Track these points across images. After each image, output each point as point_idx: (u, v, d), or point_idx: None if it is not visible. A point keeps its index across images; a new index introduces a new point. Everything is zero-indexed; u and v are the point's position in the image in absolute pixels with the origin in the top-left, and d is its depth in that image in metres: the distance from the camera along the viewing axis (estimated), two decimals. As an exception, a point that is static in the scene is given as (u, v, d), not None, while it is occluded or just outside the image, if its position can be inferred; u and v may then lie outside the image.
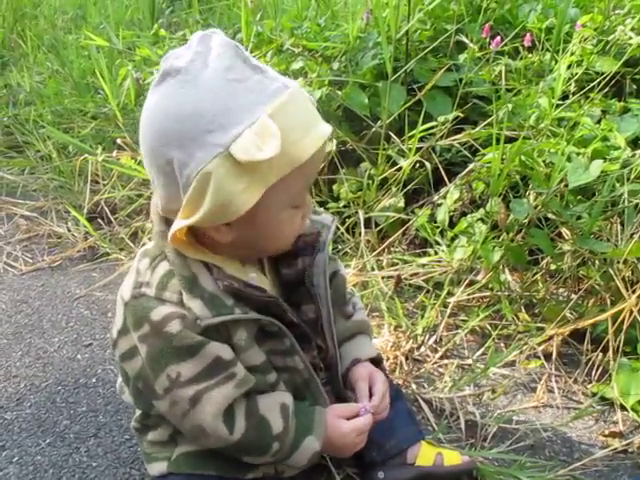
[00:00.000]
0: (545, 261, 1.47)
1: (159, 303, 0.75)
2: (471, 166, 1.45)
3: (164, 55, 0.71)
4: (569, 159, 1.38)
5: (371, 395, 0.91)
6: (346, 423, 0.87)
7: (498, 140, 1.37)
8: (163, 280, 0.75)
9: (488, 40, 1.66)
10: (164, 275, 0.76)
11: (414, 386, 1.24)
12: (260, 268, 0.87)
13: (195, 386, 0.77)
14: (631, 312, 1.18)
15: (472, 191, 1.48)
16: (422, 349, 1.34)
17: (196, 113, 0.66)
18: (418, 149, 1.59)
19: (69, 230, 1.83)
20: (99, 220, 1.84)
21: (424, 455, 1.00)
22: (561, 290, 1.49)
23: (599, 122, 1.55)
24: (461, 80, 1.68)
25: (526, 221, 1.38)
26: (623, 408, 1.20)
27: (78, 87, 2.21)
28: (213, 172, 0.66)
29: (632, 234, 1.27)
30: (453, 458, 1.00)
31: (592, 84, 1.61)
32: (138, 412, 0.94)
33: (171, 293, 0.75)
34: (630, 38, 1.75)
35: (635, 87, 1.84)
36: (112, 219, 1.82)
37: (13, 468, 1.06)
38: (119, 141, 1.73)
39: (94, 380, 1.27)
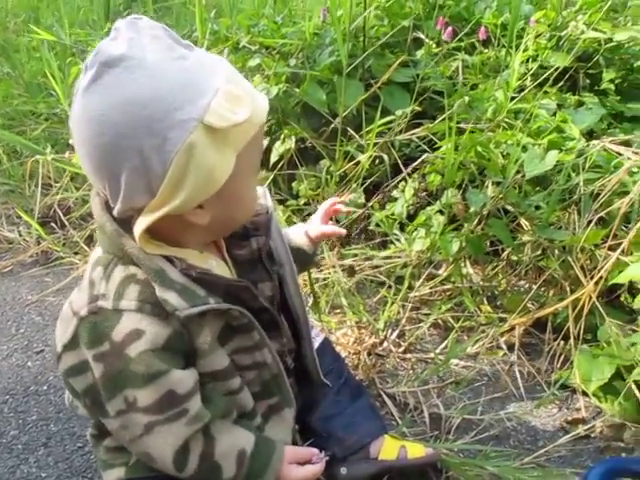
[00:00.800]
0: (506, 253, 1.48)
1: (118, 317, 0.70)
2: (424, 157, 1.44)
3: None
4: (524, 149, 1.39)
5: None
6: (296, 471, 0.85)
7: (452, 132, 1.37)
8: (119, 289, 0.71)
9: (442, 32, 1.67)
10: (120, 283, 0.72)
11: (377, 381, 1.22)
12: (218, 253, 0.83)
13: (149, 416, 0.74)
14: (590, 298, 1.18)
15: (427, 183, 1.47)
16: (385, 344, 1.32)
17: (157, 95, 0.63)
18: (377, 144, 1.59)
19: (20, 235, 1.76)
20: (52, 224, 1.78)
21: (387, 449, 0.99)
22: (522, 282, 1.50)
23: (554, 115, 1.57)
24: (418, 76, 1.68)
25: (485, 212, 1.38)
26: (585, 394, 1.20)
27: (29, 89, 2.14)
28: (194, 146, 0.63)
29: (589, 222, 1.27)
30: (417, 451, 0.99)
31: (546, 78, 1.62)
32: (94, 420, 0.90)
33: (129, 301, 0.71)
34: (582, 32, 1.78)
35: (589, 81, 1.87)
36: (66, 223, 1.76)
37: (-44, 483, 1.01)
38: (71, 141, 1.67)
39: (45, 387, 1.22)
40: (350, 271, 1.45)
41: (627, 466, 0.82)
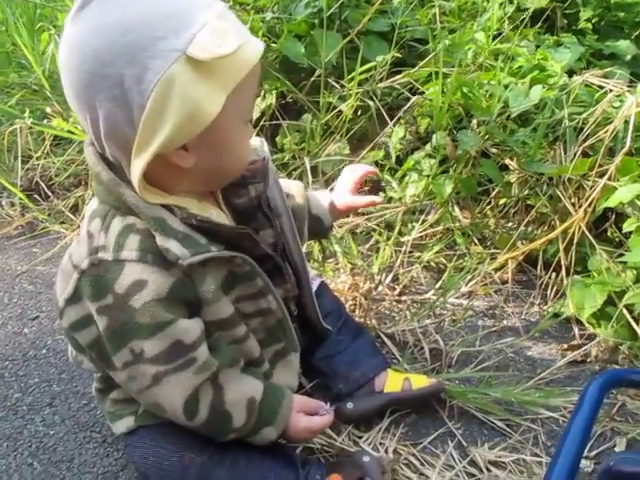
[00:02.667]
0: (494, 193, 1.49)
1: (120, 268, 0.69)
2: (414, 99, 1.44)
3: None
4: (507, 88, 1.39)
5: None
6: (304, 420, 0.86)
7: (438, 75, 1.37)
8: (119, 240, 0.70)
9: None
10: (119, 234, 0.70)
11: (375, 323, 1.24)
12: (215, 203, 0.82)
13: (157, 366, 0.73)
14: (579, 228, 1.20)
15: (417, 125, 1.47)
16: (380, 288, 1.33)
17: (141, 23, 0.61)
18: (358, 93, 1.57)
19: (3, 208, 1.73)
20: (36, 196, 1.75)
21: (391, 382, 1.01)
22: (510, 223, 1.52)
23: (534, 55, 1.57)
24: (395, 25, 1.66)
25: (474, 153, 1.38)
26: (579, 323, 1.23)
27: (-3, 60, 2.08)
28: (174, 78, 0.61)
29: (575, 154, 1.29)
30: (420, 381, 1.01)
31: (524, 19, 1.62)
32: (99, 374, 0.89)
33: (129, 251, 0.69)
34: (558, -29, 1.77)
35: (566, 21, 1.87)
36: (49, 193, 1.73)
37: (-36, 446, 1.00)
38: (48, 109, 1.64)
39: (44, 351, 1.21)
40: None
41: (626, 376, 0.84)
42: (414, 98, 1.44)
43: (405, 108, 1.46)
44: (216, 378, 0.79)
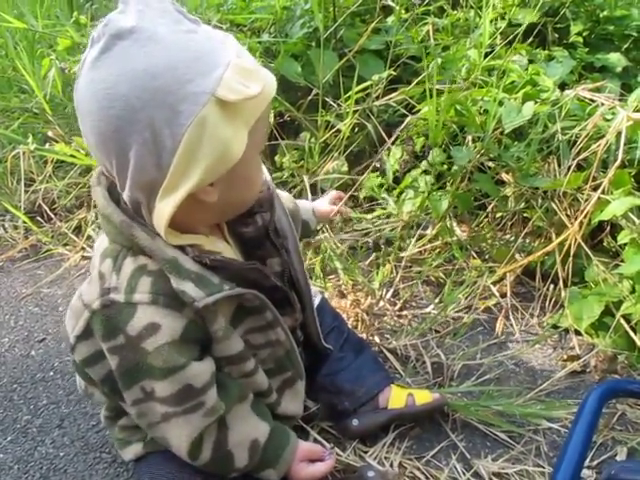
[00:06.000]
0: (490, 207, 1.51)
1: (132, 311, 0.70)
2: (408, 119, 1.46)
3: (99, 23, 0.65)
4: (501, 104, 1.42)
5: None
6: (305, 470, 0.88)
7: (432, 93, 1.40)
8: (131, 282, 0.71)
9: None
10: (131, 276, 0.71)
11: (377, 338, 1.25)
12: (221, 234, 0.84)
13: (167, 407, 0.75)
14: (575, 240, 1.22)
15: (413, 145, 1.50)
16: (381, 304, 1.35)
17: (169, 66, 0.61)
18: (356, 112, 1.60)
19: (6, 231, 1.75)
20: (39, 218, 1.77)
21: (395, 398, 1.02)
22: (508, 236, 1.54)
23: (527, 70, 1.60)
24: (390, 43, 1.70)
25: (469, 168, 1.41)
26: (577, 334, 1.25)
27: (-1, 85, 2.11)
28: (205, 120, 0.62)
29: (569, 167, 1.31)
30: (424, 397, 1.02)
31: (516, 34, 1.65)
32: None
33: (141, 294, 0.71)
34: (547, -14, 1.81)
35: (557, 35, 1.91)
36: (52, 215, 1.75)
37: (-25, 469, 1.02)
38: (50, 133, 1.67)
39: (52, 373, 1.23)
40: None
41: (624, 386, 0.86)
42: (408, 118, 1.47)
43: (400, 128, 1.48)
44: (223, 418, 0.80)
